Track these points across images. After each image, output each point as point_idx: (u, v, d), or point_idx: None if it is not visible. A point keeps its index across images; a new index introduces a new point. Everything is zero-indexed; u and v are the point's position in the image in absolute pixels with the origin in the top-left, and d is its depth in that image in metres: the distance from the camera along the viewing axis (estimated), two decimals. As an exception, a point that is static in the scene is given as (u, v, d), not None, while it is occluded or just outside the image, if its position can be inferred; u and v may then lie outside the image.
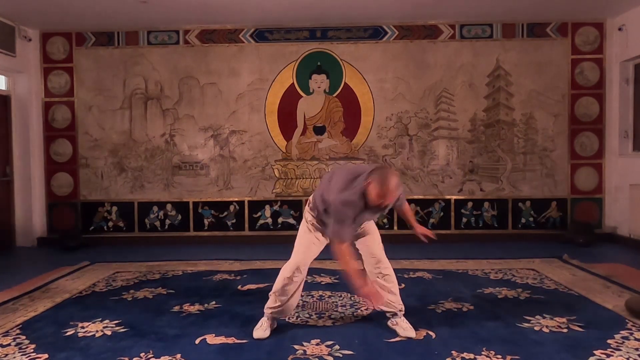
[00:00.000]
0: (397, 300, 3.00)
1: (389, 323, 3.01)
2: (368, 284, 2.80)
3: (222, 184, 6.38)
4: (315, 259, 4.47)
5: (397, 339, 2.88)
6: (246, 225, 6.39)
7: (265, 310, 3.01)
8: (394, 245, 5.85)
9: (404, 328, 2.93)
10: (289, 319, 3.23)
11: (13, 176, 6.18)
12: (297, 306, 3.50)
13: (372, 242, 2.99)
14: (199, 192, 6.38)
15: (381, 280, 2.97)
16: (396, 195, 2.75)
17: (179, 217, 6.39)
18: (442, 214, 6.33)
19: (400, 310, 3.00)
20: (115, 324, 3.22)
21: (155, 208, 6.40)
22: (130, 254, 5.58)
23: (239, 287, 4.12)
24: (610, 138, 6.21)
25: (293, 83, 6.34)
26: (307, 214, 2.99)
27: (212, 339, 2.92)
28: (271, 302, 2.99)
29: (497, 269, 4.63)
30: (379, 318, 3.11)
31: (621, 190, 6.04)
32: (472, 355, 2.63)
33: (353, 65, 6.30)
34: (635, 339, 2.83)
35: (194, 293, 3.94)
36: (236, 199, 6.38)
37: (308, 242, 2.94)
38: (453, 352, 2.68)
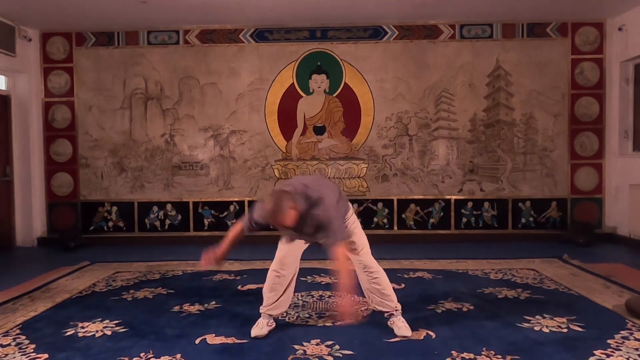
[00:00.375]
0: (390, 300, 2.99)
1: (388, 323, 3.01)
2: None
3: (222, 184, 6.38)
4: (316, 259, 4.46)
5: (397, 339, 2.88)
6: (246, 225, 6.38)
7: (261, 310, 3.02)
8: (394, 245, 5.89)
9: (399, 327, 2.93)
10: (288, 318, 3.23)
11: (13, 176, 6.18)
12: (297, 306, 3.50)
13: (357, 245, 2.96)
14: (199, 192, 6.38)
15: (373, 284, 2.97)
16: (287, 220, 2.61)
17: (179, 217, 6.39)
18: (442, 214, 6.33)
19: (396, 310, 3.00)
20: (115, 324, 3.22)
21: (155, 208, 6.40)
22: (130, 254, 5.58)
23: (239, 287, 4.12)
24: (610, 138, 6.21)
25: (293, 83, 6.34)
26: None
27: (212, 339, 2.92)
28: (264, 300, 3.01)
29: (497, 269, 4.63)
30: (379, 318, 3.11)
31: (621, 190, 6.04)
32: (472, 355, 2.63)
33: (353, 65, 6.30)
34: (635, 339, 2.83)
35: (194, 293, 3.94)
36: (236, 199, 6.38)
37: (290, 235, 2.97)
38: (453, 352, 2.68)
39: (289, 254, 2.98)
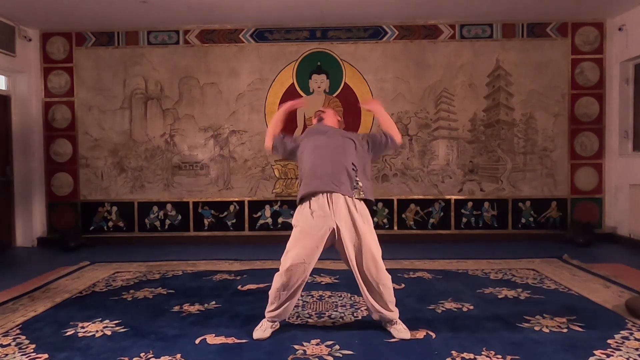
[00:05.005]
0: (390, 314, 2.94)
1: (384, 325, 3.01)
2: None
3: (222, 184, 6.38)
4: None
5: (397, 339, 2.88)
6: (246, 225, 6.39)
7: (265, 314, 3.01)
8: (394, 245, 5.88)
9: (398, 330, 2.92)
10: (288, 318, 3.23)
11: (13, 176, 6.18)
12: (297, 306, 3.50)
13: (368, 251, 2.88)
14: (199, 192, 6.38)
15: (379, 289, 2.90)
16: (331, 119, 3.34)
17: (179, 217, 6.39)
18: (442, 214, 6.33)
19: (394, 318, 2.96)
20: (115, 324, 3.22)
21: (155, 208, 6.40)
22: (130, 254, 5.58)
23: (239, 287, 4.12)
24: (610, 138, 6.21)
25: (293, 83, 6.34)
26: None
27: (212, 339, 2.92)
28: (268, 305, 2.99)
29: (497, 269, 4.63)
30: (379, 318, 3.11)
31: (621, 190, 6.04)
32: (472, 355, 2.63)
33: (353, 65, 6.30)
34: (635, 339, 2.83)
35: (194, 293, 3.94)
36: (236, 199, 6.38)
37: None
38: (453, 352, 2.68)
39: (299, 263, 2.87)
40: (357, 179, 2.97)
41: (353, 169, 2.96)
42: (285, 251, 2.93)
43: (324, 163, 2.96)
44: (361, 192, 2.95)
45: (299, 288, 2.94)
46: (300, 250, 2.85)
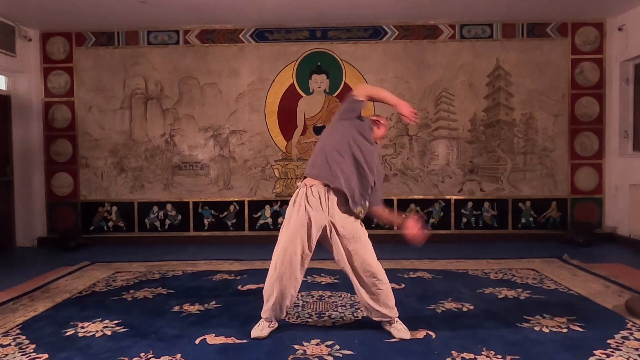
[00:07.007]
0: (391, 311, 2.95)
1: (383, 325, 3.00)
2: None
3: (222, 184, 6.38)
4: (316, 260, 4.45)
5: (397, 339, 2.88)
6: (246, 225, 6.39)
7: (262, 315, 3.01)
8: (394, 245, 5.86)
9: (398, 330, 2.92)
10: (288, 318, 3.23)
11: (13, 176, 6.18)
12: (297, 306, 3.51)
13: (363, 250, 2.90)
14: (199, 192, 6.38)
15: (376, 291, 2.90)
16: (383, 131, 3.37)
17: (179, 217, 6.39)
18: (442, 214, 6.33)
19: (394, 318, 2.97)
20: (115, 324, 3.22)
21: (155, 208, 6.40)
22: (130, 254, 5.58)
23: (239, 287, 4.12)
24: (610, 138, 6.21)
25: (293, 83, 6.34)
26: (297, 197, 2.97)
27: (212, 339, 2.92)
28: (264, 305, 2.99)
29: (497, 269, 4.63)
30: (379, 318, 3.11)
31: (621, 190, 6.04)
32: (472, 355, 2.63)
33: (353, 65, 6.30)
34: (635, 339, 2.83)
35: (194, 293, 3.94)
36: (236, 199, 6.38)
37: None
38: (453, 352, 2.68)
39: (288, 263, 2.94)
40: (366, 199, 3.00)
41: (369, 189, 2.99)
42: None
43: (350, 167, 2.95)
44: (360, 211, 2.96)
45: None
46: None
